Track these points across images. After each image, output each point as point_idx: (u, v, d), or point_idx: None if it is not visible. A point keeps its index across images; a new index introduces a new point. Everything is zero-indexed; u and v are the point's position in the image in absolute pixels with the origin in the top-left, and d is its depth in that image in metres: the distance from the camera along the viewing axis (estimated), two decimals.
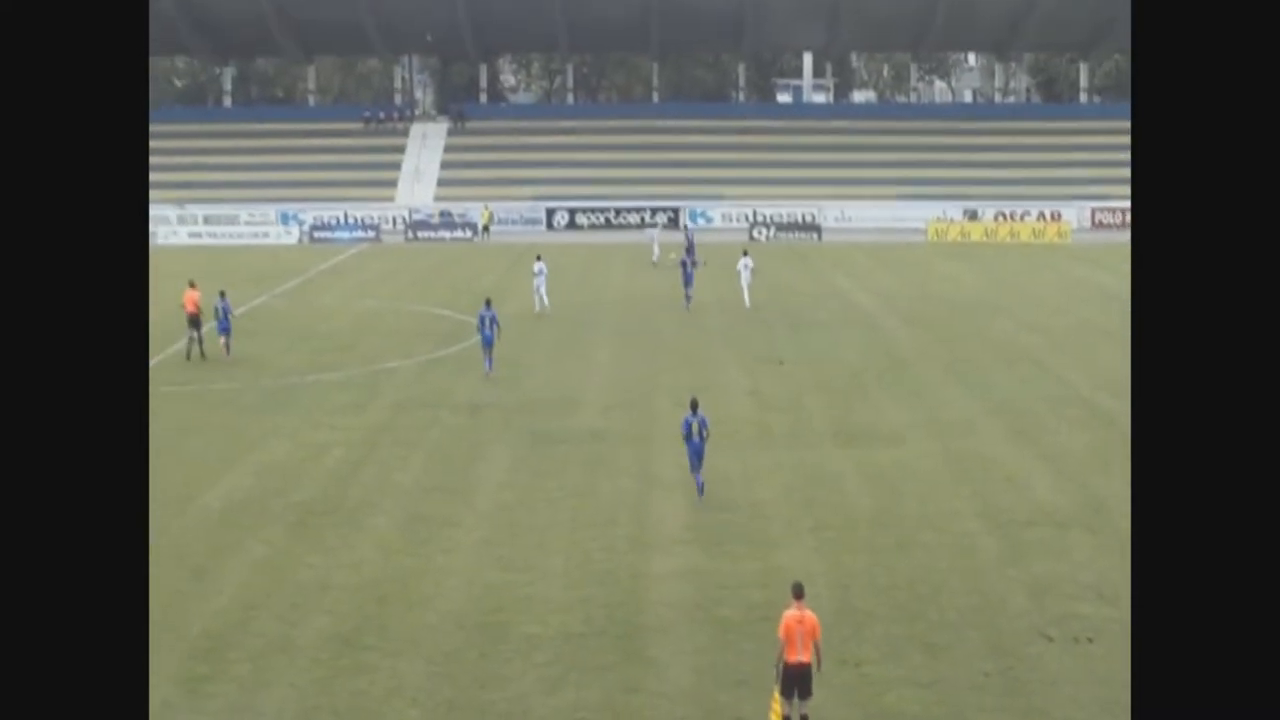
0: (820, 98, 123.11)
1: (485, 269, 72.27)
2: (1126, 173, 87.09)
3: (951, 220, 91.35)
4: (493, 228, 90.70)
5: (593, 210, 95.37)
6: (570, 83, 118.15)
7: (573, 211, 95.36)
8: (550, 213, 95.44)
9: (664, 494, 30.40)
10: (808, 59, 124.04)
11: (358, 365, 45.75)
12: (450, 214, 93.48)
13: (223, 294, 48.41)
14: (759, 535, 27.52)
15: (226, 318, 47.17)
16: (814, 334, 51.36)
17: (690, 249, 65.34)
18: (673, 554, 26.38)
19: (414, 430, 36.72)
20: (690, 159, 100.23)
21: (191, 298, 47.08)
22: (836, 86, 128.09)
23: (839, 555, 26.24)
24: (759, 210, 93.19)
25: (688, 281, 58.29)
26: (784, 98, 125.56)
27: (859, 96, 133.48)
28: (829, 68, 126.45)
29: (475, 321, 45.62)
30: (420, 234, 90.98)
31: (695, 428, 30.14)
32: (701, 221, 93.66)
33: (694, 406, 30.59)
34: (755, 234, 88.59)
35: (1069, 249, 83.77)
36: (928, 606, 23.67)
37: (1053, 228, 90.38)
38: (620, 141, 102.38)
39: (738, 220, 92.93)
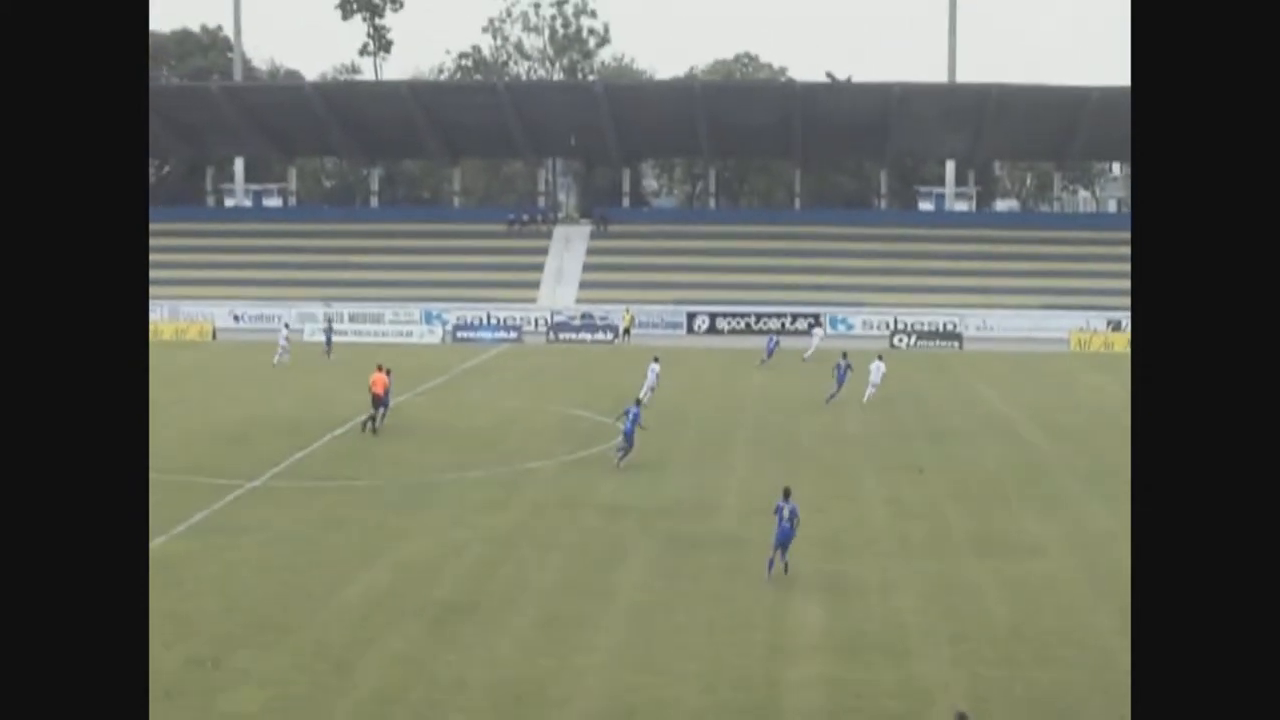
0: (962, 206, 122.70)
1: (626, 371, 72.68)
2: None
3: (1095, 330, 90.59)
4: (634, 330, 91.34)
5: (733, 315, 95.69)
6: (712, 188, 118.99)
7: (713, 316, 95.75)
8: (691, 316, 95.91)
9: (802, 601, 30.29)
10: (950, 166, 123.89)
11: (498, 464, 46.15)
12: (592, 316, 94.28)
13: (384, 368, 52.64)
14: (896, 644, 27.33)
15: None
16: (954, 443, 51.04)
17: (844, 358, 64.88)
18: (809, 661, 26.26)
19: (552, 530, 36.93)
20: (831, 265, 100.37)
21: (380, 380, 51.58)
22: (979, 194, 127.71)
23: (976, 667, 25.99)
24: (899, 318, 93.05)
25: (840, 382, 60.67)
26: (926, 205, 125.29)
27: (1001, 205, 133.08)
28: (971, 175, 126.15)
29: (621, 423, 46.30)
30: (561, 335, 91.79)
31: (786, 513, 31.80)
32: (842, 329, 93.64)
33: (786, 494, 32.34)
34: (895, 342, 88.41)
35: None
36: None
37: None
38: (761, 247, 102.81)
39: (878, 328, 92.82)
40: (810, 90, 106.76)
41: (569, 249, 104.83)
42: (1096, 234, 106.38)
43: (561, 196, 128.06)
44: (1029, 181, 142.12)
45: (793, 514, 31.88)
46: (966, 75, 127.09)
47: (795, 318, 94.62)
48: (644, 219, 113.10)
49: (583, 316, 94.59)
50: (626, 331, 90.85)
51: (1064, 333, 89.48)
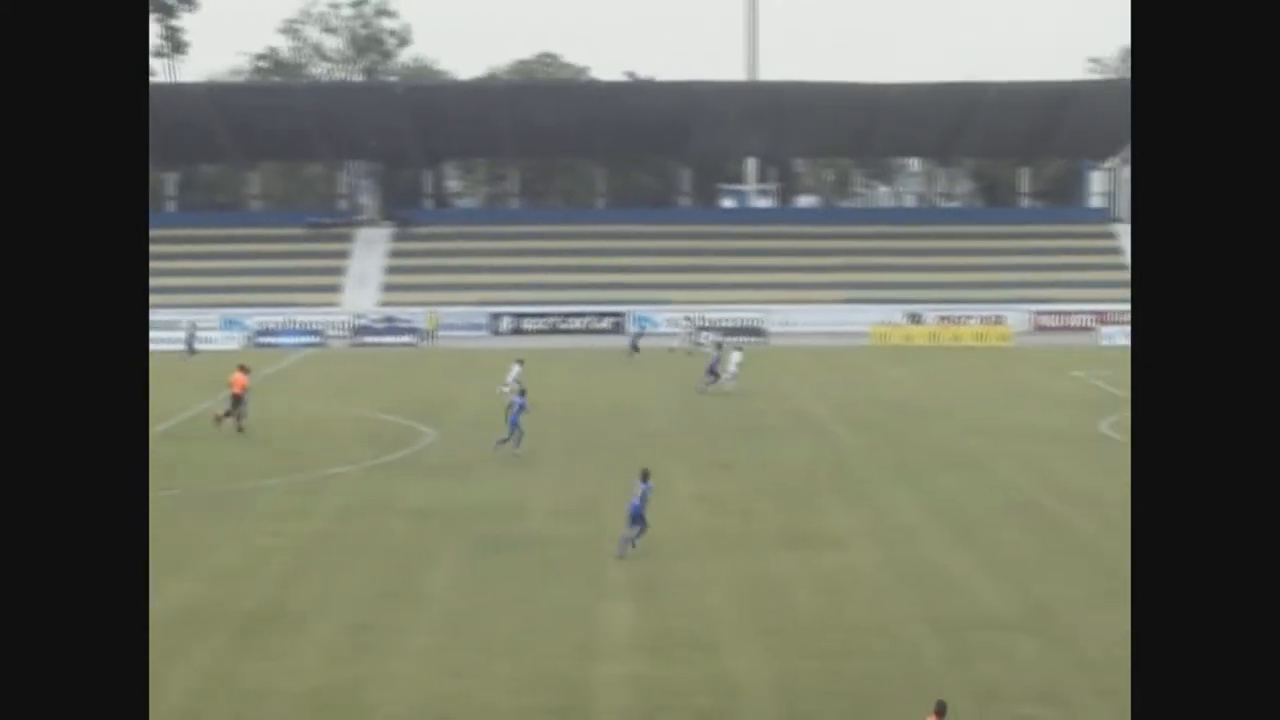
0: (764, 203, 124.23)
1: (430, 374, 72.44)
2: (1067, 276, 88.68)
3: (895, 324, 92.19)
4: (438, 333, 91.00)
5: (538, 315, 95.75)
6: (515, 188, 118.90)
7: (518, 316, 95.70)
8: (495, 317, 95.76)
9: (612, 600, 30.47)
10: (752, 164, 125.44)
11: (304, 471, 45.70)
12: (395, 319, 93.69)
13: (244, 367, 53.72)
14: (706, 640, 27.63)
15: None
16: (762, 438, 51.64)
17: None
18: (621, 660, 26.45)
19: (360, 536, 36.71)
20: (635, 264, 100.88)
21: (240, 380, 52.52)
22: (780, 191, 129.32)
23: (786, 660, 26.37)
24: (704, 315, 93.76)
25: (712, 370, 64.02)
26: (728, 203, 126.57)
27: (803, 201, 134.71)
28: (773, 173, 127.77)
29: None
30: (365, 339, 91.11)
31: (639, 493, 33.80)
32: (647, 326, 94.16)
33: (644, 476, 34.30)
34: (700, 339, 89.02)
35: (1011, 352, 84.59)
36: (875, 712, 23.82)
37: (995, 331, 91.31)
38: (565, 246, 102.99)
39: (683, 325, 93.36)
40: (612, 90, 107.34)
41: (371, 251, 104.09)
42: (896, 229, 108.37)
43: (363, 199, 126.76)
44: (829, 178, 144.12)
45: (644, 495, 33.73)
46: (767, 73, 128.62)
47: (600, 316, 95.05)
48: (447, 220, 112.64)
49: (386, 319, 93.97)
50: (430, 334, 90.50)
51: (865, 327, 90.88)
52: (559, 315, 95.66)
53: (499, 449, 47.16)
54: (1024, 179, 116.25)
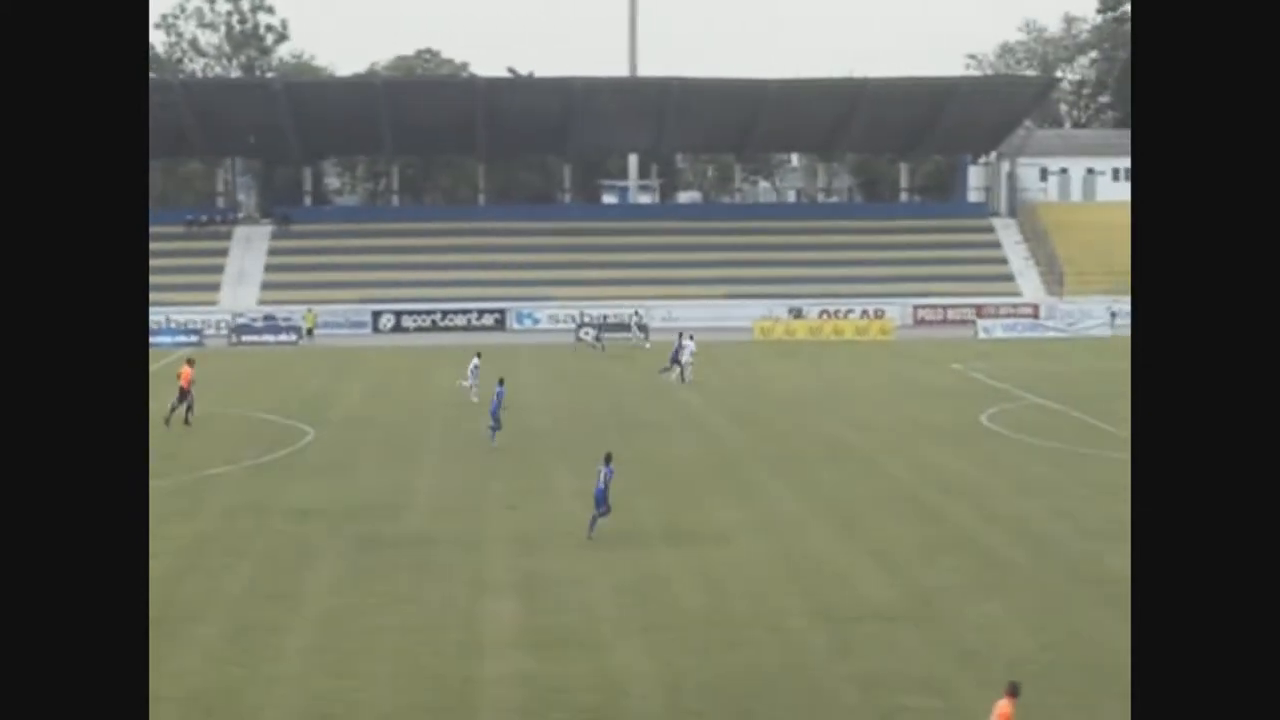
0: (646, 198, 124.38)
1: (311, 372, 71.85)
2: (946, 270, 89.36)
3: (777, 318, 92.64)
4: (317, 330, 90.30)
5: (419, 313, 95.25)
6: (395, 185, 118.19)
7: (399, 314, 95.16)
8: (376, 315, 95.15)
9: (495, 598, 30.39)
10: (633, 160, 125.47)
11: (183, 472, 45.14)
12: (274, 317, 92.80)
13: (190, 361, 55.44)
14: (590, 637, 27.62)
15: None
16: (643, 434, 51.70)
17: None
18: (503, 658, 26.38)
19: (241, 537, 36.33)
20: (517, 260, 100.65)
21: (187, 374, 53.78)
22: (662, 187, 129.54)
23: (669, 655, 26.42)
24: (586, 311, 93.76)
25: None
26: (610, 199, 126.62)
27: (684, 197, 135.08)
28: (654, 169, 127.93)
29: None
30: (244, 338, 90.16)
31: (601, 477, 35.21)
32: (529, 323, 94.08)
33: (606, 459, 35.75)
34: (582, 335, 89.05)
35: (892, 346, 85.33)
36: (758, 704, 23.92)
37: (876, 325, 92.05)
38: (446, 243, 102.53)
39: (565, 321, 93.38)
40: (492, 86, 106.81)
41: (250, 249, 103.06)
42: (777, 224, 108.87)
43: (241, 196, 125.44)
44: (710, 173, 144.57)
45: (607, 478, 35.10)
46: (648, 70, 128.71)
47: (481, 314, 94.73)
48: (327, 218, 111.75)
49: (265, 318, 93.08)
50: (310, 332, 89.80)
51: (747, 321, 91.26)
52: (440, 312, 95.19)
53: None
54: (904, 174, 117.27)
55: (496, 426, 49.12)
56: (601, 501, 35.25)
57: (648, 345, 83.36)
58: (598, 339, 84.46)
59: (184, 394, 53.74)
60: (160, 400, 50.97)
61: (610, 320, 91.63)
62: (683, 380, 66.30)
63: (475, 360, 60.35)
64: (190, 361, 55.76)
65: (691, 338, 69.55)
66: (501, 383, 51.30)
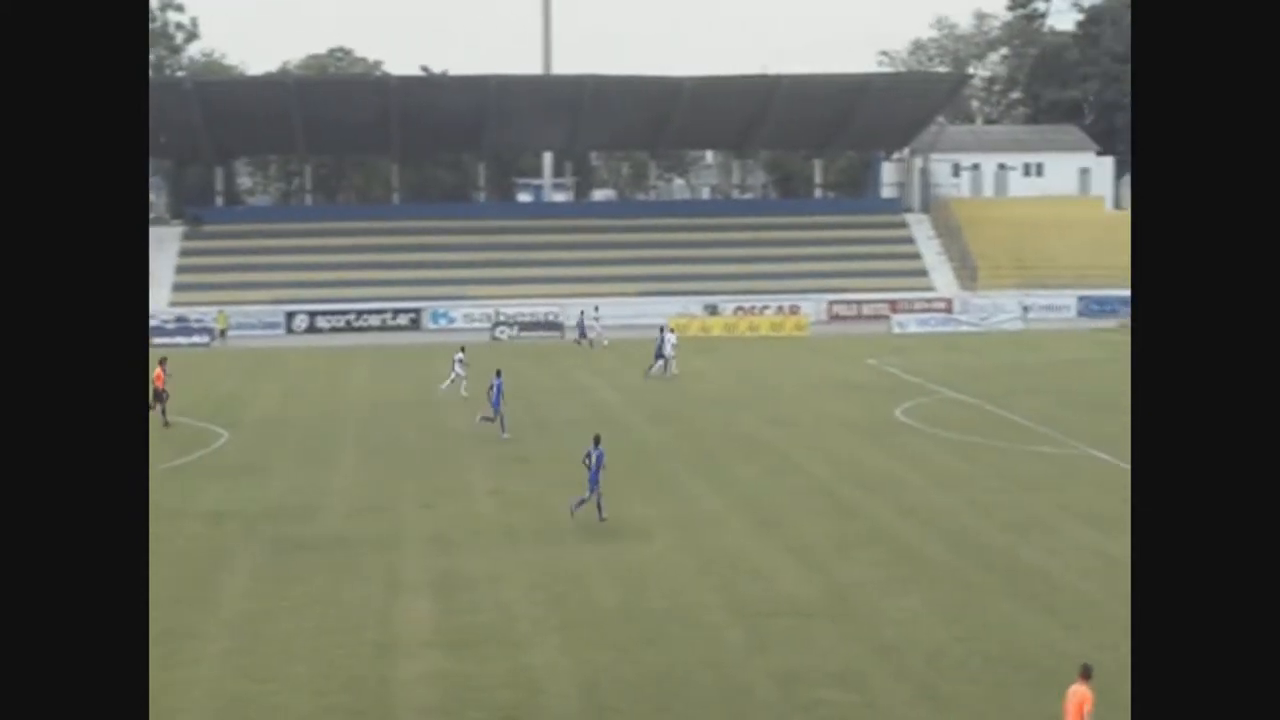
0: (561, 196, 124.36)
1: (224, 374, 71.32)
2: (860, 265, 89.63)
3: (692, 315, 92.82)
4: (230, 332, 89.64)
5: (333, 313, 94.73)
6: (309, 184, 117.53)
7: (313, 315, 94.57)
8: (290, 316, 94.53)
9: (410, 598, 30.26)
10: (548, 158, 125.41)
11: None
12: (186, 319, 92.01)
13: (162, 361, 54.99)
14: (506, 635, 27.56)
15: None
16: (559, 432, 51.64)
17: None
18: (420, 658, 26.27)
19: (155, 541, 35.86)
20: (432, 260, 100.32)
21: (159, 375, 53.46)
22: (577, 185, 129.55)
23: (586, 652, 26.40)
24: (502, 310, 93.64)
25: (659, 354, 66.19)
26: (524, 197, 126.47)
27: (599, 195, 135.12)
28: (569, 167, 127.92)
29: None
30: (155, 340, 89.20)
31: (593, 459, 36.69)
32: (444, 322, 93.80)
33: (596, 441, 37.36)
34: (498, 334, 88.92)
35: (807, 341, 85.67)
36: (675, 700, 23.94)
37: (791, 321, 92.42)
38: (360, 243, 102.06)
39: (481, 320, 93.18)
40: (406, 84, 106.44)
41: (161, 251, 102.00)
42: (692, 221, 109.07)
43: (152, 197, 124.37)
44: (625, 171, 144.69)
45: (598, 459, 36.65)
46: (562, 67, 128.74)
47: (396, 313, 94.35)
48: (239, 218, 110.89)
49: (177, 320, 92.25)
50: (222, 333, 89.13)
51: (663, 319, 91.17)
52: (355, 313, 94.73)
53: (490, 430, 50.47)
54: (817, 170, 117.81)
55: (499, 418, 50.59)
56: (595, 484, 36.69)
57: (605, 343, 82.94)
58: (583, 336, 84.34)
59: (159, 394, 53.56)
60: None
61: (528, 318, 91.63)
62: (665, 373, 67.28)
63: (460, 354, 61.43)
64: (163, 362, 55.17)
65: (672, 330, 71.34)
66: (499, 374, 52.37)
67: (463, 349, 62.83)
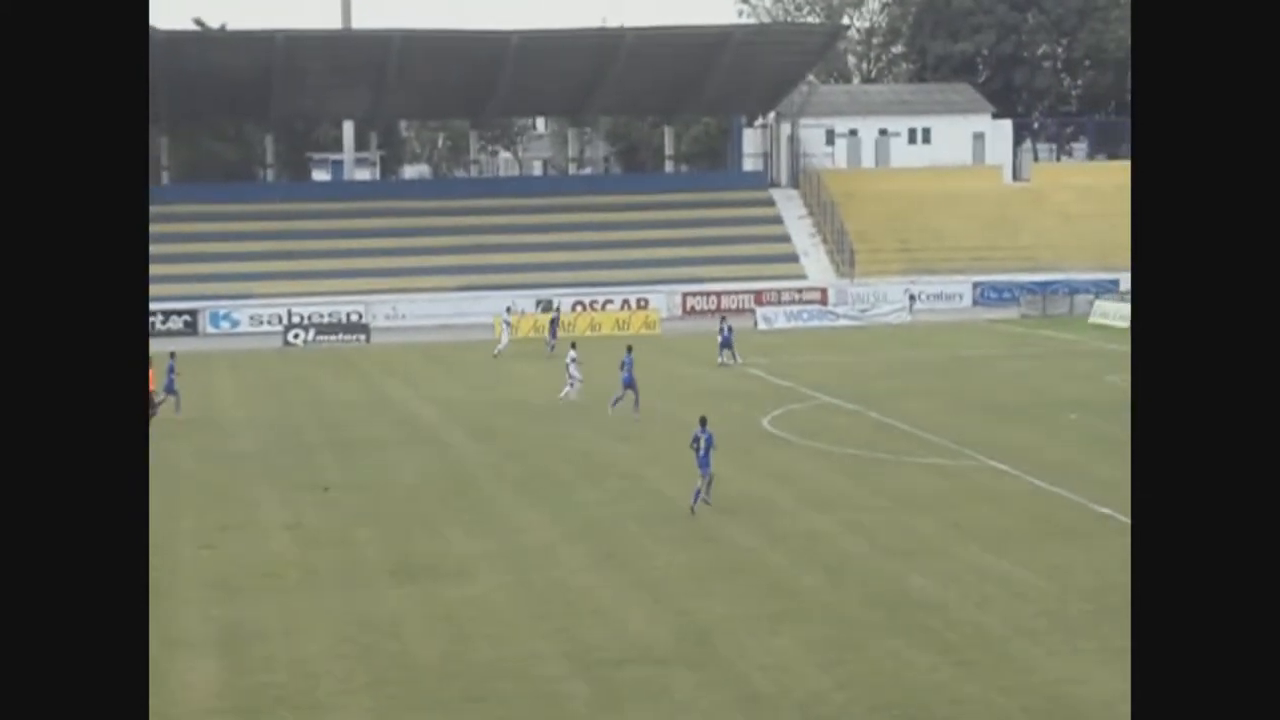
0: (364, 174, 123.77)
1: None
2: (719, 251, 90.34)
3: (523, 313, 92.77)
4: None
5: None
6: None
7: None
8: None
9: (189, 656, 29.90)
10: (348, 129, 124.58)
11: None
12: None
13: (172, 354, 60.17)
14: (304, 698, 27.31)
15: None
16: (364, 453, 51.39)
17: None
18: None
19: None
20: (209, 250, 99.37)
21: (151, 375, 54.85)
22: (383, 160, 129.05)
23: (400, 715, 26.26)
24: (295, 310, 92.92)
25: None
26: (321, 175, 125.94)
27: (410, 172, 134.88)
28: (374, 138, 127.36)
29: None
30: None
31: (702, 443, 40.52)
32: (226, 325, 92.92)
33: (702, 423, 41.03)
34: (291, 338, 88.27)
35: (658, 340, 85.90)
36: None
37: (639, 316, 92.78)
38: None
39: (270, 322, 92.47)
40: (174, 40, 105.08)
41: None
42: (521, 201, 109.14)
43: None
44: (441, 143, 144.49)
45: (708, 442, 40.42)
46: (364, 21, 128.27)
47: (168, 315, 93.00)
48: None
49: None
50: None
51: (488, 317, 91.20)
52: None
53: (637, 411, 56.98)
54: (668, 140, 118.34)
55: (630, 395, 57.55)
56: (704, 466, 40.49)
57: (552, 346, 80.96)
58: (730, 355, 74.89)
59: (153, 396, 55.92)
60: None
61: (327, 320, 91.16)
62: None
63: (572, 353, 62.91)
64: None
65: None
66: (629, 350, 59.45)
67: (574, 345, 63.92)
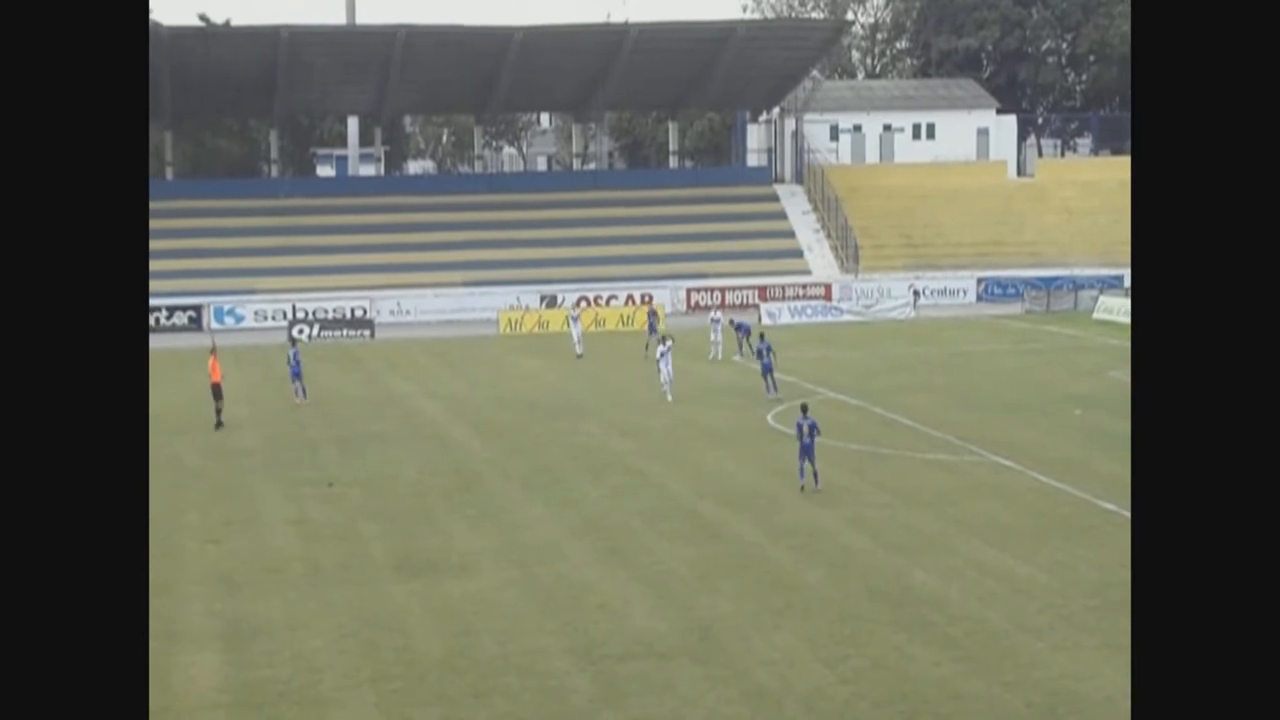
0: (369, 169, 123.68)
1: None
2: (724, 246, 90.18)
3: (527, 308, 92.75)
4: None
5: None
6: None
7: None
8: None
9: (192, 650, 29.93)
10: (353, 125, 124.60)
11: None
12: None
13: (294, 340, 63.98)
14: (308, 693, 27.35)
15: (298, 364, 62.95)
16: (369, 449, 51.42)
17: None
18: None
19: None
20: (214, 246, 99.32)
21: (216, 366, 57.63)
22: (387, 156, 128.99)
23: (404, 710, 26.29)
24: (299, 305, 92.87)
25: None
26: (326, 170, 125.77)
27: (414, 167, 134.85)
28: (378, 134, 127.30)
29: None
30: None
31: (805, 428, 42.31)
32: (231, 321, 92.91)
33: (804, 410, 43.26)
34: (296, 333, 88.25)
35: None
36: None
37: (643, 312, 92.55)
38: None
39: (275, 318, 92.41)
40: (179, 37, 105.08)
41: None
42: (525, 196, 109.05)
43: None
44: (445, 139, 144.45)
45: (812, 428, 42.31)
46: (369, 17, 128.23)
47: (172, 311, 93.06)
48: None
49: None
50: None
51: (492, 312, 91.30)
52: None
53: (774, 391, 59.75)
54: (672, 135, 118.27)
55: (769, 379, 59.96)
56: (806, 453, 42.48)
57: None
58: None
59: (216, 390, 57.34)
60: None
61: (332, 315, 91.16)
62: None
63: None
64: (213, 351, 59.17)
65: (665, 339, 67.71)
66: (763, 338, 62.02)
67: (664, 340, 64.15)
